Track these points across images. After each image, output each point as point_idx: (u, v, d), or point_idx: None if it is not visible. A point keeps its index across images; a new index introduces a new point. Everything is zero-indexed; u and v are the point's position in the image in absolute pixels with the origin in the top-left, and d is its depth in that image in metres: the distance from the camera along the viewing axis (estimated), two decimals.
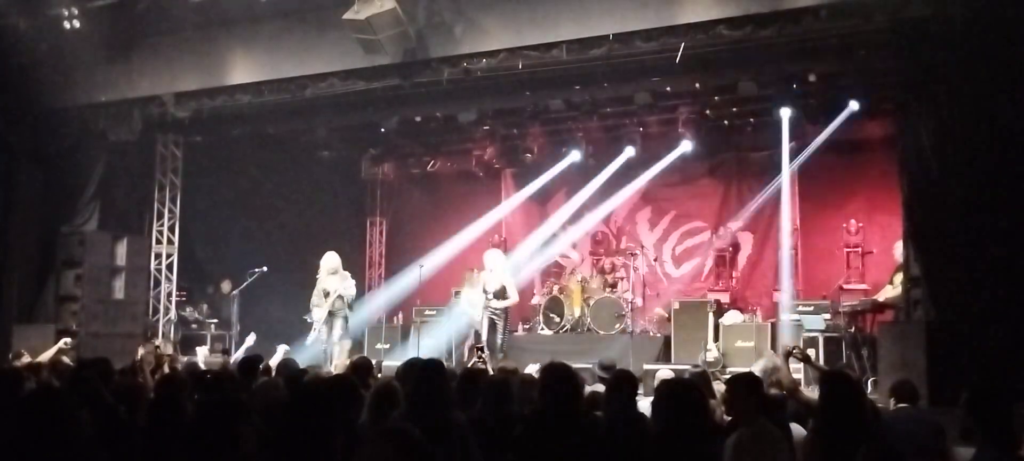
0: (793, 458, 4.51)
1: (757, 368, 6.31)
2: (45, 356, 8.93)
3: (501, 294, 11.09)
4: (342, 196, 15.97)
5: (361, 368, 6.54)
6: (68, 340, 10.03)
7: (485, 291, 11.10)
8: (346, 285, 11.02)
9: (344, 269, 11.26)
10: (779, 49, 9.66)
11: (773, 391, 5.72)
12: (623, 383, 4.81)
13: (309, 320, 11.11)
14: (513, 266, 12.56)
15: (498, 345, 10.97)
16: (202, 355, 10.32)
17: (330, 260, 11.14)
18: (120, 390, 5.12)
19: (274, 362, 8.04)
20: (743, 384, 4.76)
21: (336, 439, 3.25)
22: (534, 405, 4.57)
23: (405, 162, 15.83)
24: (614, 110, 12.69)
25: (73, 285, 12.21)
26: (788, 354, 6.15)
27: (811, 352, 8.49)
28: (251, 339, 9.89)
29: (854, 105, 11.33)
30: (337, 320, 10.92)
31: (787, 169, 12.50)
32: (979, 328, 7.73)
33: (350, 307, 11.13)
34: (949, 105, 8.29)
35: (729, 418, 4.89)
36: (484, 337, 10.73)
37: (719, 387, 6.14)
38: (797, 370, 8.15)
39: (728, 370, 9.87)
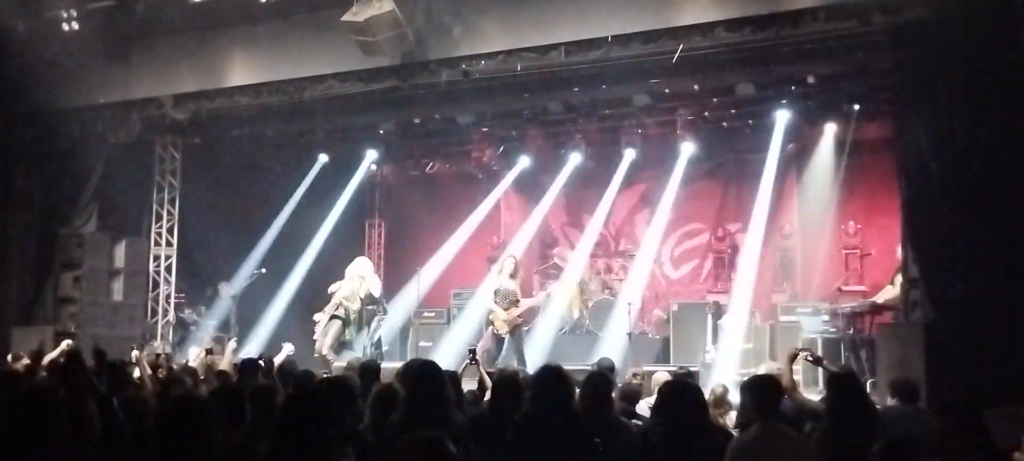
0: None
1: (760, 372, 6.30)
2: (46, 358, 8.89)
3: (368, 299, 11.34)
4: (341, 198, 15.92)
5: (368, 371, 6.52)
6: (69, 342, 9.98)
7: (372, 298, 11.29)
8: (345, 288, 10.98)
9: (351, 273, 11.23)
10: (778, 51, 9.66)
11: None
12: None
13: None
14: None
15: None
16: (193, 355, 10.28)
17: (353, 266, 11.18)
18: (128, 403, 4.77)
19: (279, 360, 8.02)
20: (756, 385, 4.67)
21: (332, 440, 3.23)
22: (526, 407, 4.55)
23: (404, 164, 15.81)
24: (613, 112, 12.68)
25: (72, 287, 12.19)
26: (794, 356, 6.10)
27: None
28: (289, 348, 9.27)
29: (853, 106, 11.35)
30: (334, 324, 10.85)
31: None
32: (978, 329, 7.71)
33: (355, 314, 11.03)
34: (948, 106, 8.27)
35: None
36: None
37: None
38: (796, 371, 8.14)
39: None
